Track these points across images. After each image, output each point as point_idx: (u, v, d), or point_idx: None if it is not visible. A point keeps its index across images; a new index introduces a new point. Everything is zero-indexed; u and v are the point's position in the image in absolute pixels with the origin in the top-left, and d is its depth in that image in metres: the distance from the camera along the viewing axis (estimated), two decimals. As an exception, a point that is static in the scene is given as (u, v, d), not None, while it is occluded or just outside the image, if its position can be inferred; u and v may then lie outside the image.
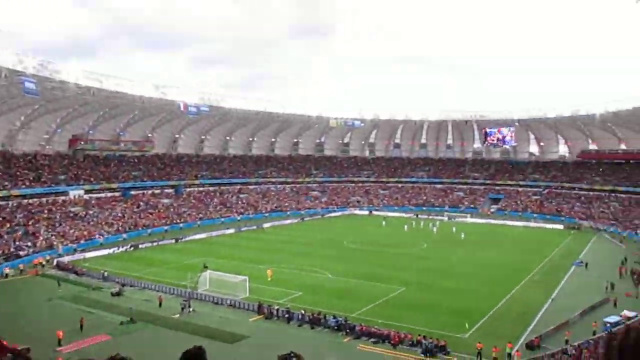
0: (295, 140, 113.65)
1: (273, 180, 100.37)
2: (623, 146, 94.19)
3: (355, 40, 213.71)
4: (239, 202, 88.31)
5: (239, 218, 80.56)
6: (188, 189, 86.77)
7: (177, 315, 34.61)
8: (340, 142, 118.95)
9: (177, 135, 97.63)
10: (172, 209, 77.48)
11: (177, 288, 40.29)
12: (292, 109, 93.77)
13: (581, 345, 27.93)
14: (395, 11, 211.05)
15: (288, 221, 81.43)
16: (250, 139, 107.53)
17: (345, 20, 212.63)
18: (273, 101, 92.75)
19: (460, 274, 46.77)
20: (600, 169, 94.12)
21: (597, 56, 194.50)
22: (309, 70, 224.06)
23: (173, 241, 62.28)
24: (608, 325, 32.08)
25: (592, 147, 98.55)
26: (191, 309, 35.30)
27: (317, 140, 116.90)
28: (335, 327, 32.04)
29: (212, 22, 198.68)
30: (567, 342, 29.27)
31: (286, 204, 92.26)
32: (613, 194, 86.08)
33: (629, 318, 33.66)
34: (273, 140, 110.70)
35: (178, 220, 73.67)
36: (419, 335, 29.75)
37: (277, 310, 34.71)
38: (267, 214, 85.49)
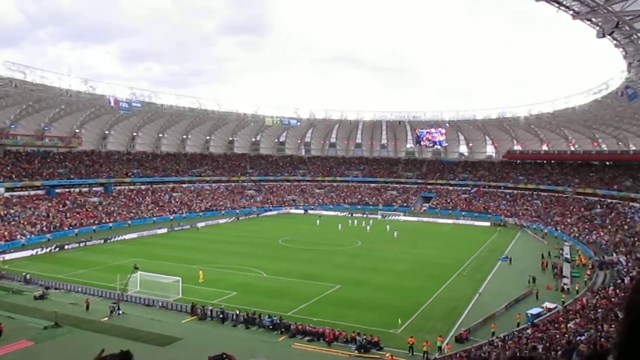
0: (230, 138, 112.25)
1: (208, 178, 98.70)
2: (545, 147, 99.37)
3: (291, 38, 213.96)
4: (172, 201, 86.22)
5: (171, 217, 78.64)
6: (118, 188, 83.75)
7: (106, 319, 33.29)
8: (276, 140, 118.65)
9: (106, 132, 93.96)
10: (100, 208, 74.52)
11: (105, 290, 38.82)
12: (227, 106, 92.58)
13: (506, 337, 29.29)
14: (331, 11, 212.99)
15: (223, 220, 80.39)
16: (184, 137, 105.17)
17: (280, 18, 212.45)
18: (208, 98, 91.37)
19: (393, 271, 47.80)
20: (524, 169, 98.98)
21: (520, 64, 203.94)
22: (244, 69, 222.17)
23: (102, 241, 59.89)
24: (530, 316, 33.88)
25: (517, 147, 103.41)
26: (120, 312, 34.08)
27: (253, 139, 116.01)
28: (271, 327, 31.93)
29: (143, 15, 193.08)
30: (493, 334, 30.70)
31: (221, 203, 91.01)
32: (536, 192, 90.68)
33: (549, 309, 35.66)
34: (208, 138, 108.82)
35: (107, 220, 70.95)
36: (353, 332, 30.14)
37: (211, 310, 34.16)
38: (201, 213, 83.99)
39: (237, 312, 33.48)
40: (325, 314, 34.38)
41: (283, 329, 31.54)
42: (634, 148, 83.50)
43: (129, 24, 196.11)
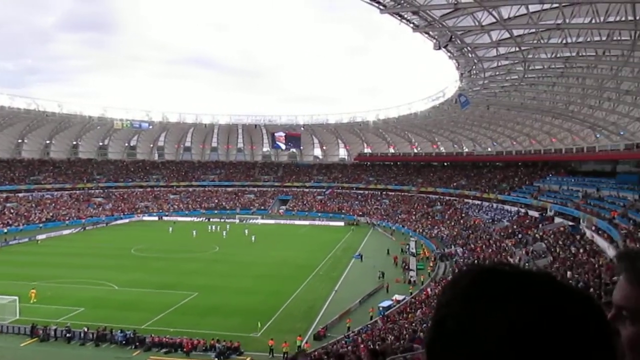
0: (74, 142, 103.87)
1: (48, 186, 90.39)
2: (392, 150, 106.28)
3: (139, 37, 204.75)
4: (6, 213, 77.60)
5: (5, 230, 70.71)
6: (-62, 200, 73.52)
7: None
8: (127, 145, 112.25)
9: None
10: None
11: None
12: (70, 108, 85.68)
13: (360, 330, 30.84)
14: (180, 11, 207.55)
15: (67, 231, 74.22)
16: (20, 141, 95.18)
17: (127, 15, 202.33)
18: (47, 99, 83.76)
19: (252, 274, 47.77)
20: (374, 170, 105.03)
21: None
22: (88, 68, 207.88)
23: None
24: (382, 309, 36.04)
25: (367, 150, 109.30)
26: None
27: (100, 143, 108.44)
28: (124, 342, 30.17)
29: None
30: (348, 328, 32.16)
31: (64, 213, 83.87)
32: (384, 192, 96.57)
33: (398, 301, 38.23)
34: (48, 142, 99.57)
35: None
36: (213, 339, 29.61)
37: (55, 330, 31.34)
38: (41, 225, 76.55)
39: (86, 329, 31.12)
40: (183, 324, 33.31)
41: (137, 343, 29.99)
42: (466, 150, 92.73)
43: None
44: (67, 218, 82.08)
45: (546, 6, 25.78)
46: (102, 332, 30.93)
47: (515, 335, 0.77)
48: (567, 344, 0.78)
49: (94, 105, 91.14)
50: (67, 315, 34.76)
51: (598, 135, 60.77)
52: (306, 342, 30.04)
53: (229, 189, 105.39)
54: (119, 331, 30.80)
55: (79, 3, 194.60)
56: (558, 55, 34.29)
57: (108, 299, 39.45)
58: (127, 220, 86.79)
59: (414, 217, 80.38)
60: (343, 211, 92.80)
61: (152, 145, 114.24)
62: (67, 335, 30.81)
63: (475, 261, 45.35)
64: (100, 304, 37.83)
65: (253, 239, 67.34)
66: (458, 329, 0.82)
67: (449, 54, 38.72)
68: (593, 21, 25.57)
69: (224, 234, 72.69)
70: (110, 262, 52.65)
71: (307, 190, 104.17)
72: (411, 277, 46.77)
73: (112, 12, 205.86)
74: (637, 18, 23.33)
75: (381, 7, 28.89)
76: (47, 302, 37.63)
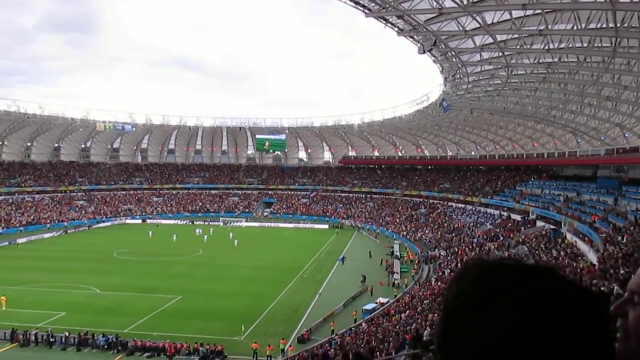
0: (56, 144, 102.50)
1: (29, 189, 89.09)
2: (376, 153, 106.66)
3: (122, 38, 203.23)
4: (-15, 216, 76.43)
5: (-15, 234, 69.64)
6: None
7: None
8: (109, 147, 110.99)
9: None
10: None
11: None
12: (52, 110, 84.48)
13: (344, 333, 30.86)
14: (164, 12, 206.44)
15: (48, 235, 73.18)
16: (0, 143, 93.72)
17: (109, 16, 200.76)
18: (28, 101, 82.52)
19: (236, 278, 47.56)
20: (359, 173, 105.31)
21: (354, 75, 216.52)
22: (71, 69, 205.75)
23: None
24: (365, 312, 36.15)
25: (352, 153, 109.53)
26: None
27: (83, 145, 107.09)
28: (106, 346, 29.85)
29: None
30: (332, 331, 32.15)
31: (46, 216, 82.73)
32: (369, 195, 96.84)
33: (382, 304, 38.33)
34: (29, 144, 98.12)
35: None
36: (196, 343, 29.42)
37: (36, 335, 30.89)
38: (22, 228, 75.37)
39: (67, 334, 30.73)
40: (166, 327, 33.02)
41: (120, 348, 29.70)
42: (450, 154, 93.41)
43: None
44: (48, 221, 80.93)
45: (529, 12, 26.14)
46: (83, 336, 30.54)
47: (522, 329, 0.80)
48: (572, 335, 0.81)
49: (76, 107, 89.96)
50: (48, 320, 34.28)
51: (579, 140, 61.69)
52: (290, 346, 29.98)
53: (213, 192, 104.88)
54: (101, 335, 30.44)
55: (61, 3, 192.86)
56: (540, 61, 34.80)
57: (90, 303, 38.99)
58: (109, 224, 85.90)
59: (398, 220, 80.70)
60: (327, 214, 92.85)
61: (135, 148, 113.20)
62: (51, 340, 30.37)
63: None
64: (82, 308, 37.37)
65: (236, 243, 66.03)
66: (466, 324, 0.84)
67: (433, 58, 39.03)
68: (575, 28, 25.98)
69: (205, 238, 70.59)
70: (92, 265, 52.05)
71: (291, 193, 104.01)
72: (395, 279, 46.95)
73: (94, 13, 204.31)
74: (618, 25, 23.74)
75: (366, 10, 29.07)
76: (28, 306, 37.09)
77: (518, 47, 31.76)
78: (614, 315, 0.98)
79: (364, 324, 32.85)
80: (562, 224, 49.82)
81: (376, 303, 38.49)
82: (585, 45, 29.21)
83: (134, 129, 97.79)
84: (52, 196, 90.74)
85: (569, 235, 45.48)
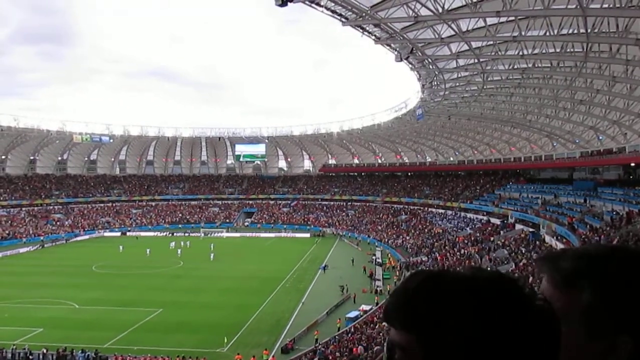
0: (31, 157, 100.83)
1: (4, 203, 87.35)
2: (356, 160, 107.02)
3: (97, 49, 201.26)
4: (-41, 231, 74.68)
5: (-42, 250, 67.96)
6: None
7: None
8: (87, 159, 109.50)
9: None
10: None
11: None
12: (26, 122, 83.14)
13: (328, 342, 30.73)
14: (139, 23, 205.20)
15: (24, 249, 71.70)
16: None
17: (84, 27, 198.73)
18: (2, 113, 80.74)
19: (217, 289, 47.10)
20: (339, 181, 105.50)
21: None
22: (45, 81, 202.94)
23: None
24: (349, 319, 36.07)
25: (332, 161, 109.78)
26: None
27: (59, 158, 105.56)
28: (85, 362, 29.26)
29: None
30: (316, 340, 31.96)
31: (22, 230, 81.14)
32: (350, 203, 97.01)
33: (365, 311, 38.30)
34: (3, 157, 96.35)
35: None
36: (178, 356, 28.96)
37: (12, 352, 30.17)
38: (-4, 243, 73.90)
39: (45, 351, 30.06)
40: (147, 341, 32.50)
41: (99, 363, 29.12)
42: (429, 160, 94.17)
43: None
44: (24, 235, 79.35)
45: (503, 19, 26.55)
46: (62, 352, 29.89)
47: (460, 341, 0.80)
48: (513, 345, 0.82)
49: (52, 119, 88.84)
50: (26, 337, 33.48)
51: (555, 144, 62.70)
52: (273, 356, 29.74)
53: (193, 203, 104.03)
54: (80, 351, 29.81)
55: (33, 14, 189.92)
56: (515, 67, 35.34)
57: (68, 318, 38.22)
58: (87, 237, 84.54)
59: (379, 227, 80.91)
60: (309, 222, 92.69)
61: (113, 159, 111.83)
62: (30, 357, 29.67)
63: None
64: (60, 323, 36.61)
65: (212, 257, 63.15)
66: (406, 337, 0.86)
67: (410, 65, 39.39)
68: (547, 34, 26.46)
69: (179, 252, 67.10)
70: (70, 280, 51.08)
71: (272, 202, 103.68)
72: (377, 286, 46.97)
73: (68, 24, 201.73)
74: (589, 31, 24.25)
75: (343, 19, 29.21)
76: (4, 323, 36.22)
77: (493, 53, 32.24)
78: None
79: (348, 332, 32.79)
80: (541, 226, 50.47)
81: (359, 310, 38.46)
82: (558, 50, 29.77)
83: (111, 140, 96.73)
84: (28, 210, 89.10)
85: (547, 237, 46.09)
